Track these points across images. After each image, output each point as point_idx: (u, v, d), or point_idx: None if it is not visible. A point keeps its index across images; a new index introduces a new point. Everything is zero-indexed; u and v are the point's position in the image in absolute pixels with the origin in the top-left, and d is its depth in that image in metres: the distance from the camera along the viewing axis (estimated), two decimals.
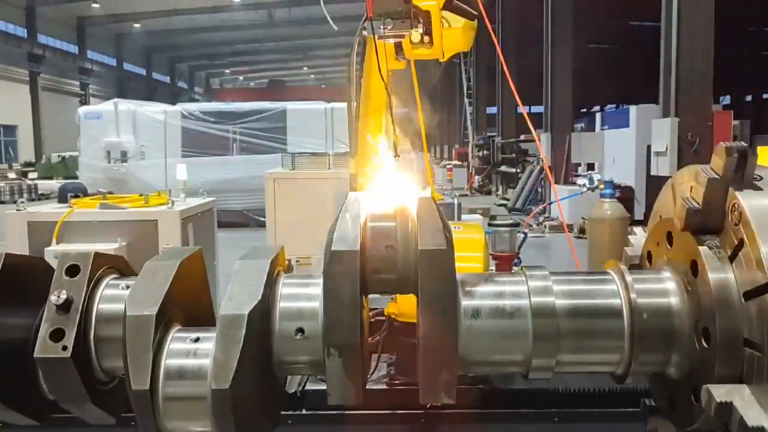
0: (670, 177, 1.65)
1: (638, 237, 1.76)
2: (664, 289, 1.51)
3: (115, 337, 1.51)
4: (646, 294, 1.49)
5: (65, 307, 1.45)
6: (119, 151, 15.34)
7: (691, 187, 1.45)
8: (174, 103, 18.29)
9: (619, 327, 1.48)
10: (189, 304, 1.57)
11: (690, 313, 1.43)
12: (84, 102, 38.70)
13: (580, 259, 9.49)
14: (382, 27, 2.30)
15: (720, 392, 1.27)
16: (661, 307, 1.48)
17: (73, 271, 1.49)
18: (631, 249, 1.73)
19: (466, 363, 1.51)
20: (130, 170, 15.23)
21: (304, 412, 2.90)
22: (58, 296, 1.44)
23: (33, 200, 22.32)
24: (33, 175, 30.48)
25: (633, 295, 1.48)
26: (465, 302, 1.49)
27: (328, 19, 3.55)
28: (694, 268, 1.41)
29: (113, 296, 1.55)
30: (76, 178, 17.74)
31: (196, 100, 51.61)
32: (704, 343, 1.37)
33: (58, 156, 31.20)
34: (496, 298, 1.51)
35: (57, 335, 1.44)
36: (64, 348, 1.43)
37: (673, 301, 1.48)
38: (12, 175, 30.53)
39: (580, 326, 1.50)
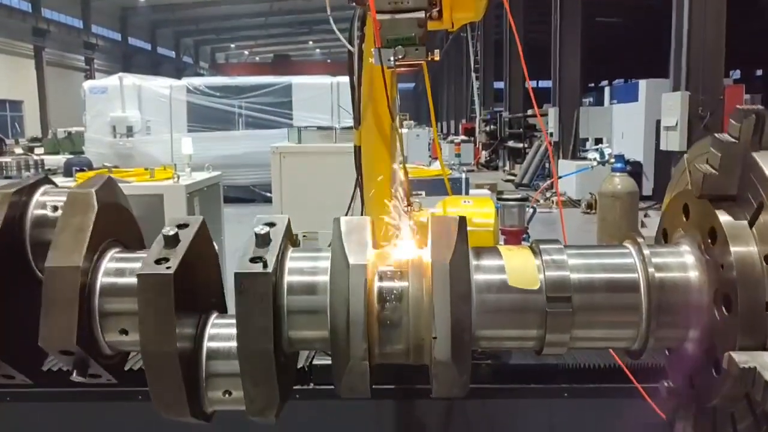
0: (683, 152, 1.60)
1: (652, 220, 1.70)
2: (683, 262, 1.46)
3: (118, 311, 1.49)
4: (664, 268, 1.45)
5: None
6: (125, 126, 15.30)
7: (708, 158, 1.40)
8: (179, 78, 18.20)
9: (636, 302, 1.44)
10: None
11: (710, 285, 1.39)
12: (89, 77, 38.52)
13: (588, 233, 9.44)
14: (391, 58, 1.92)
15: (743, 359, 1.23)
16: (679, 280, 1.44)
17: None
18: (646, 230, 1.68)
19: (478, 338, 1.47)
20: (136, 145, 15.21)
21: (311, 386, 2.88)
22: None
23: (39, 176, 22.30)
24: (39, 150, 30.46)
25: (651, 269, 1.43)
26: (477, 276, 1.45)
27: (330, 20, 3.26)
28: (713, 235, 1.36)
29: (117, 270, 1.52)
30: (82, 153, 17.73)
31: (202, 75, 51.35)
32: (725, 311, 1.33)
33: (64, 131, 31.15)
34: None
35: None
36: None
37: (692, 274, 1.43)
38: (19, 150, 30.54)
39: (595, 301, 1.46)
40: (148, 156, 13.83)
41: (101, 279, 1.49)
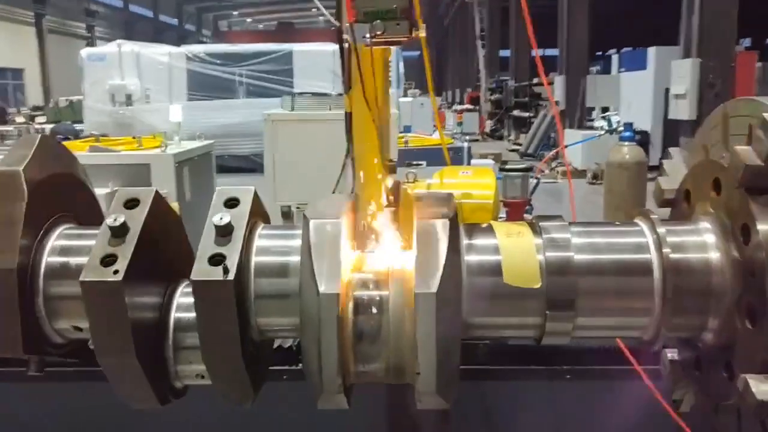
0: (694, 121, 1.39)
1: (674, 163, 1.48)
2: (703, 242, 1.29)
3: (65, 296, 1.32)
4: (681, 248, 1.28)
5: None
6: (124, 95, 15.06)
7: (750, 126, 1.20)
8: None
9: (649, 286, 1.27)
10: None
11: (733, 274, 1.22)
12: (91, 45, 38.08)
13: (593, 205, 9.27)
14: (367, 36, 1.56)
15: (762, 389, 1.07)
16: (698, 264, 1.27)
17: None
18: (665, 180, 1.47)
19: (469, 326, 1.31)
20: (136, 114, 14.98)
21: (299, 366, 2.74)
22: None
23: None
24: (41, 119, 30.22)
25: (666, 250, 1.26)
26: (468, 257, 1.28)
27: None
28: (746, 233, 1.18)
29: (65, 248, 1.35)
30: (82, 122, 17.53)
31: (204, 43, 50.76)
32: (748, 324, 1.16)
33: (66, 100, 30.86)
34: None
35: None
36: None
37: (713, 257, 1.26)
38: (20, 119, 30.29)
39: (602, 285, 1.29)
40: (148, 125, 13.59)
41: (47, 260, 1.31)
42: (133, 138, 4.46)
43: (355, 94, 1.96)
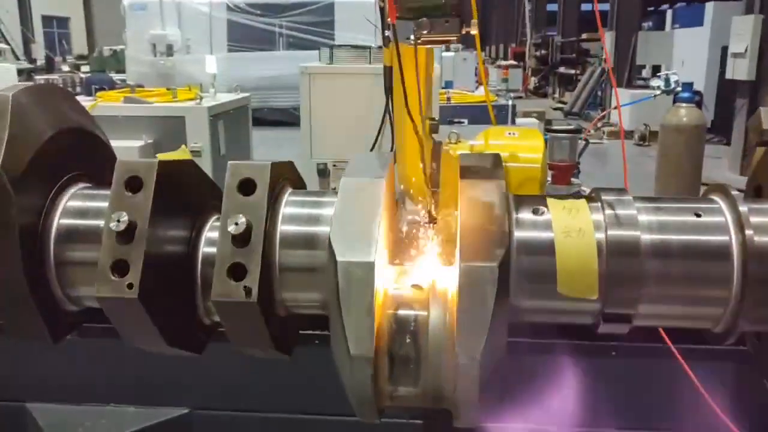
0: (752, 82, 1.19)
1: None
2: None
3: (81, 260, 1.22)
4: (766, 230, 1.11)
5: None
6: (164, 45, 14.96)
7: None
8: None
9: (726, 272, 1.12)
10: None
11: None
12: None
13: (640, 167, 8.95)
14: (412, 37, 1.36)
15: None
16: None
17: None
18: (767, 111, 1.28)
19: (517, 310, 1.18)
20: (176, 64, 14.90)
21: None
22: None
23: (79, 94, 22.34)
24: (86, 68, 30.48)
25: (749, 231, 1.10)
26: (518, 233, 1.14)
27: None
28: None
29: (78, 210, 1.25)
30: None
31: None
32: None
33: (110, 49, 31.03)
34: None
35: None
36: None
37: None
38: (65, 68, 30.60)
39: (672, 269, 1.14)
40: (188, 76, 13.53)
41: (56, 230, 1.22)
42: (168, 89, 4.36)
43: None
